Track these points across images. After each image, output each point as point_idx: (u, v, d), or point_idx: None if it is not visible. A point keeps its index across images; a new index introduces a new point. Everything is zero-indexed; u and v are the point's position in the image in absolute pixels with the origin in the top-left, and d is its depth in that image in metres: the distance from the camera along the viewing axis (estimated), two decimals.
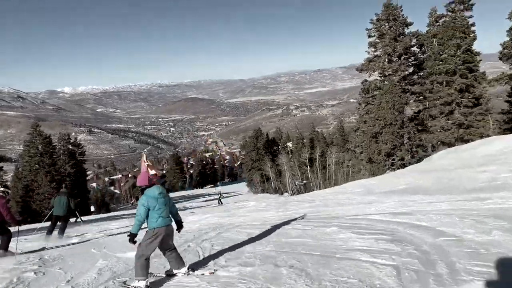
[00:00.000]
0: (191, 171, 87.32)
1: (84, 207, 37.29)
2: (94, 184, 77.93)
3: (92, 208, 43.46)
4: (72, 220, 12.08)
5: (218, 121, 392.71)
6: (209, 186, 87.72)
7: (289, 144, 59.05)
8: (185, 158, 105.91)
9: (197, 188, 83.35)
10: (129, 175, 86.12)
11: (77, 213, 11.34)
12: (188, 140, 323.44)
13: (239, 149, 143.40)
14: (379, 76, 31.09)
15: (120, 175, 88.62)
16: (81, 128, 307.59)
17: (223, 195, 38.19)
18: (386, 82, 29.47)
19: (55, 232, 10.05)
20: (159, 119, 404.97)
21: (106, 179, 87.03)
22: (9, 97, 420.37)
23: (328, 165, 42.24)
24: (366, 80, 32.08)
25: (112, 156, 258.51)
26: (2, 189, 7.54)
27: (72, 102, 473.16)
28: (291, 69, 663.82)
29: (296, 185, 43.61)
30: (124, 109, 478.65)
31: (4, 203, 7.16)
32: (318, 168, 42.41)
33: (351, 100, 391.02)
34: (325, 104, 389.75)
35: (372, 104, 29.76)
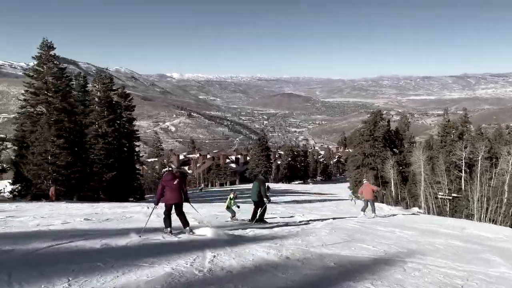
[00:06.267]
0: (279, 162, 75.00)
1: (126, 187, 25.77)
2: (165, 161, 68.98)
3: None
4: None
5: (311, 119, 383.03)
6: (297, 182, 74.44)
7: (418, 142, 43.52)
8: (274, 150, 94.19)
9: (282, 183, 70.94)
10: (208, 156, 74.86)
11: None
12: (279, 134, 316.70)
13: (337, 146, 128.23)
14: None
15: (198, 154, 77.52)
16: (182, 111, 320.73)
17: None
18: None
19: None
20: (254, 111, 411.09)
21: (181, 156, 76.72)
22: (124, 76, 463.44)
23: (502, 175, 25.92)
24: None
25: (206, 141, 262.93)
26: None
27: (178, 87, 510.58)
28: (395, 73, 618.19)
29: (438, 198, 28.18)
30: (223, 98, 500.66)
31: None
32: (479, 177, 26.30)
33: (459, 112, 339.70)
34: (430, 113, 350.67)
35: None
